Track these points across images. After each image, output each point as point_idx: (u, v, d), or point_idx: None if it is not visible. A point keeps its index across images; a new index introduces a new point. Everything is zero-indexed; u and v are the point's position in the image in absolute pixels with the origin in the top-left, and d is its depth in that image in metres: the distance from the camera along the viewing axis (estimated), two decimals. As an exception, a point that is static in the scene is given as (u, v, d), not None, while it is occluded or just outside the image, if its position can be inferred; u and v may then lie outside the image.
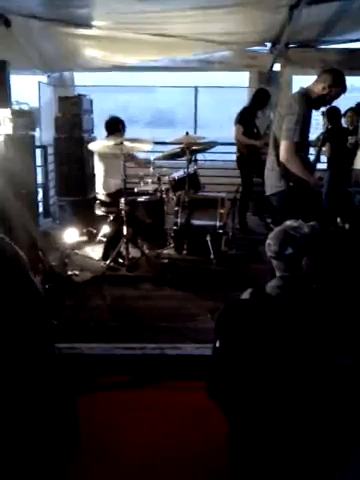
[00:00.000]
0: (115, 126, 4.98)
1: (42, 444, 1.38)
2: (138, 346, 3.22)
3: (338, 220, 4.74)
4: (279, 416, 1.76)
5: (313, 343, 1.81)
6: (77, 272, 4.40)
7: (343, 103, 6.16)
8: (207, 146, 5.53)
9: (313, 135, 4.56)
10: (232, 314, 1.93)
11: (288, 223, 2.02)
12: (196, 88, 8.60)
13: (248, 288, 2.08)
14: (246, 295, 2.04)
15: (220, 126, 6.48)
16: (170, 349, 3.21)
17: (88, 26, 5.82)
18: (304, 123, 3.42)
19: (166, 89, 9.51)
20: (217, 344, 1.89)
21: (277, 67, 7.36)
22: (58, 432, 1.44)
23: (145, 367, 3.09)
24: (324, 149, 5.88)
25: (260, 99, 6.08)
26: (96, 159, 5.03)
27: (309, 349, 1.81)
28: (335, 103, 5.84)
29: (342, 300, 2.17)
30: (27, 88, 7.18)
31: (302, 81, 3.75)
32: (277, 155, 3.51)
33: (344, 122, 6.32)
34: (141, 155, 5.49)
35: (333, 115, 6.04)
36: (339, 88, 3.50)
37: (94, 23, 5.77)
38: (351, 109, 6.36)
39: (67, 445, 1.47)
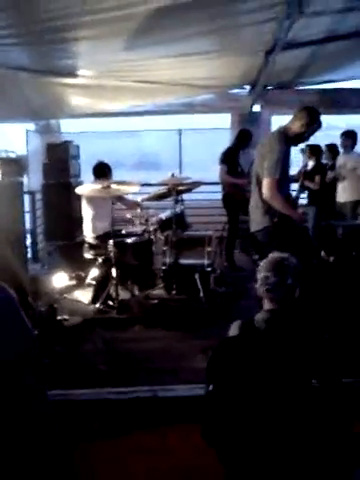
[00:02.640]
0: (102, 171, 5.08)
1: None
2: (130, 390, 3.18)
3: (322, 253, 4.80)
4: (277, 456, 1.73)
5: (305, 375, 1.81)
6: (67, 317, 4.37)
7: (321, 140, 6.38)
8: (193, 186, 5.62)
9: (293, 171, 4.68)
10: (222, 356, 1.92)
11: (277, 255, 2.06)
12: (180, 131, 8.82)
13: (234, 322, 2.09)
14: (234, 330, 2.04)
15: (204, 167, 6.62)
16: (163, 391, 3.17)
17: (73, 75, 5.99)
18: (284, 160, 3.54)
19: (151, 132, 9.75)
20: (210, 387, 1.87)
21: (257, 108, 7.61)
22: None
23: (138, 411, 3.04)
24: (311, 184, 6.04)
25: (242, 139, 6.27)
26: (84, 203, 5.09)
27: (303, 383, 1.81)
28: (313, 140, 6.06)
29: (326, 329, 2.18)
30: (15, 136, 7.31)
31: (281, 121, 3.89)
32: (260, 192, 3.60)
33: (324, 158, 6.51)
34: (128, 197, 5.56)
35: (315, 152, 6.23)
36: (315, 125, 3.66)
37: (79, 72, 5.94)
38: (328, 146, 6.57)
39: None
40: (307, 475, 1.72)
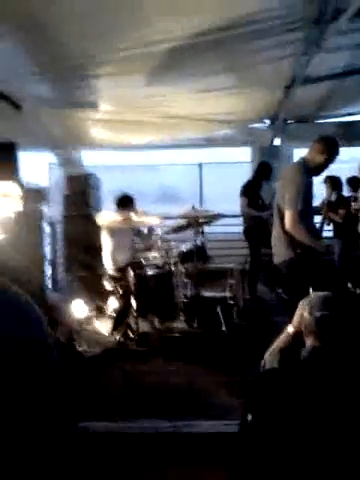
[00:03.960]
0: (125, 201, 5.07)
1: None
2: (151, 424, 3.10)
3: (349, 285, 4.72)
4: None
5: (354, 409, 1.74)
6: (86, 348, 4.32)
7: (342, 172, 6.38)
8: (213, 218, 5.62)
9: (316, 203, 4.66)
10: (266, 386, 1.85)
11: (325, 293, 2.06)
12: (200, 165, 8.90)
13: (269, 353, 2.04)
14: (272, 362, 2.00)
15: (225, 200, 6.64)
16: (184, 427, 3.08)
17: (95, 109, 6.13)
18: (306, 191, 3.52)
19: (171, 166, 9.87)
20: (249, 418, 1.80)
21: (277, 142, 7.66)
22: None
23: (159, 445, 2.95)
24: (336, 217, 6.03)
25: (263, 171, 6.31)
26: (104, 234, 5.09)
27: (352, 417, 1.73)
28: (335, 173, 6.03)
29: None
30: (37, 167, 7.45)
31: (303, 154, 3.89)
32: (282, 225, 3.57)
33: (346, 190, 6.49)
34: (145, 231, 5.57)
35: (335, 184, 6.23)
36: (334, 153, 3.64)
37: (101, 107, 6.07)
38: (349, 178, 6.56)
39: None
40: None
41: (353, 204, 6.24)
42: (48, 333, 1.38)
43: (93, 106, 6.06)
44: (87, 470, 1.55)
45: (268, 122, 7.40)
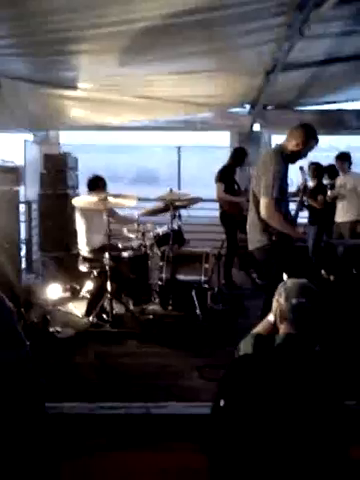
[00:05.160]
0: (96, 184, 5.03)
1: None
2: (122, 405, 3.12)
3: (323, 272, 4.79)
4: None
5: (324, 397, 1.78)
6: (59, 329, 4.30)
7: (321, 161, 6.43)
8: (190, 202, 5.61)
9: (291, 189, 4.69)
10: (239, 373, 1.88)
11: (302, 280, 2.07)
12: (179, 148, 8.86)
13: (244, 339, 2.07)
14: (246, 348, 2.02)
15: (203, 184, 6.63)
16: (156, 408, 3.11)
17: (74, 88, 6.01)
18: (282, 179, 3.52)
19: (150, 148, 9.80)
20: (221, 403, 1.82)
21: (257, 128, 7.66)
22: None
23: (130, 427, 2.97)
24: (315, 204, 6.10)
25: (238, 157, 6.30)
26: (78, 216, 5.01)
27: (322, 405, 1.77)
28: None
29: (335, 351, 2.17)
30: (13, 146, 7.31)
31: (282, 140, 3.89)
32: (257, 211, 3.57)
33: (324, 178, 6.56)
34: (125, 211, 5.54)
35: (318, 171, 6.29)
36: (312, 142, 3.63)
37: (79, 85, 5.97)
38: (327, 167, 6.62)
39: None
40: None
41: (329, 192, 6.33)
42: (17, 327, 1.38)
43: (71, 84, 5.95)
44: (58, 451, 1.56)
45: (248, 107, 7.40)
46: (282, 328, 2.01)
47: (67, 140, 8.23)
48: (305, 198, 5.67)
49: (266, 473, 1.68)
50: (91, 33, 4.25)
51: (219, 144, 8.52)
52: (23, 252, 5.97)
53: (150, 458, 2.71)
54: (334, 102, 7.35)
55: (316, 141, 3.67)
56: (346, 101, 7.36)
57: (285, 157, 3.59)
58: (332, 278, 4.61)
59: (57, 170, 6.32)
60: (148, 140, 9.20)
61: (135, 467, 2.64)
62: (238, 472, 1.73)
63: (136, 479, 2.56)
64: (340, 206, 6.26)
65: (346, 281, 4.54)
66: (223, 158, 6.33)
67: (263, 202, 3.49)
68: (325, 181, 6.55)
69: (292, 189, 4.44)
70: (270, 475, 1.67)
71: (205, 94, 6.48)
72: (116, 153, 9.43)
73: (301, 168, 5.97)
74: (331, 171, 6.52)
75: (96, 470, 2.57)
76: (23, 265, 5.89)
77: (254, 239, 3.68)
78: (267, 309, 2.40)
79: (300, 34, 4.20)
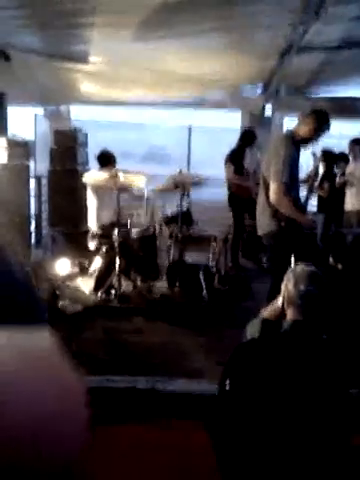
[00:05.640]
0: (106, 159, 5.06)
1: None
2: (127, 379, 3.20)
3: (330, 260, 4.82)
4: (280, 463, 1.73)
5: (328, 384, 1.82)
6: (68, 304, 4.39)
7: (332, 148, 6.38)
8: (200, 182, 5.62)
9: (303, 175, 4.69)
10: (245, 356, 1.91)
11: (310, 267, 2.08)
12: (190, 128, 8.81)
13: (252, 322, 2.12)
14: (253, 331, 2.07)
15: (213, 165, 6.61)
16: (161, 383, 3.20)
17: (85, 61, 5.99)
18: (292, 164, 3.51)
19: (160, 127, 9.73)
20: (227, 384, 1.86)
21: (268, 110, 7.61)
22: None
23: (134, 401, 3.07)
24: (321, 192, 6.08)
25: (246, 139, 6.24)
26: (89, 192, 5.06)
27: (326, 392, 1.81)
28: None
29: (341, 338, 2.20)
30: (24, 120, 7.29)
31: (293, 124, 3.88)
32: (267, 196, 3.59)
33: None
34: (134, 189, 5.56)
35: (327, 159, 6.25)
36: (324, 128, 3.62)
37: (91, 59, 5.94)
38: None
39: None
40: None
41: (338, 178, 6.29)
42: (35, 290, 1.43)
43: (83, 58, 5.93)
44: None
45: (260, 89, 7.33)
46: (289, 314, 2.02)
47: (77, 115, 8.20)
48: (316, 184, 5.67)
49: (269, 455, 1.73)
50: (105, 6, 4.22)
51: (230, 126, 8.46)
52: (33, 227, 6.02)
53: (153, 433, 2.80)
54: (347, 88, 7.28)
55: (328, 127, 3.66)
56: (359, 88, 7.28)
57: (296, 142, 3.59)
58: (340, 266, 4.63)
59: (67, 146, 6.33)
60: (159, 119, 9.13)
61: (137, 441, 2.73)
62: (242, 453, 1.78)
63: (138, 453, 2.64)
64: (349, 194, 6.23)
65: (354, 270, 4.56)
66: (233, 140, 6.30)
67: (273, 187, 3.50)
68: (336, 169, 6.51)
69: (302, 175, 4.44)
70: (273, 457, 1.72)
71: (218, 73, 6.44)
72: (126, 130, 9.38)
73: (314, 154, 5.94)
74: (342, 159, 6.48)
75: (98, 442, 2.66)
76: (33, 240, 5.95)
77: (263, 224, 3.71)
78: (273, 294, 2.45)
79: (316, 16, 4.17)
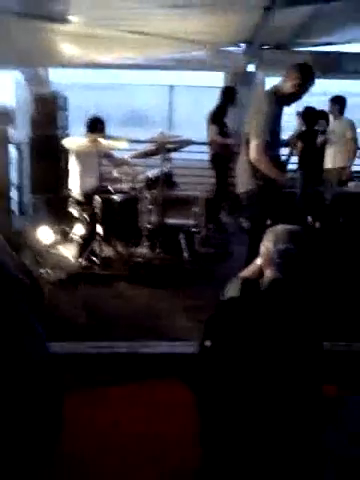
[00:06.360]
0: (95, 125, 4.99)
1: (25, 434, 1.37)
2: (110, 344, 3.22)
3: (309, 219, 4.81)
4: (257, 417, 1.77)
5: (303, 337, 1.85)
6: (50, 271, 4.37)
7: (315, 105, 6.28)
8: (182, 145, 5.53)
9: (286, 135, 4.61)
10: (225, 315, 1.93)
11: (290, 226, 2.09)
12: (171, 87, 8.61)
13: (231, 281, 2.12)
14: (233, 291, 2.06)
15: (195, 126, 6.51)
16: (143, 347, 3.22)
17: (64, 21, 5.79)
18: (274, 122, 3.46)
19: (141, 88, 9.49)
20: (207, 343, 1.88)
21: (251, 68, 7.42)
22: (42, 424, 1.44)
23: (117, 366, 3.09)
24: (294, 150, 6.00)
25: (227, 96, 6.12)
26: (72, 157, 4.99)
27: (301, 346, 1.84)
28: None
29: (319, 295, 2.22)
30: (2, 86, 7.09)
31: (275, 82, 3.78)
32: (248, 154, 3.54)
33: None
34: (115, 153, 5.47)
35: (310, 117, 6.15)
36: (308, 84, 3.52)
37: (70, 18, 5.75)
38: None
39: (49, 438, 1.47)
40: (278, 435, 1.77)
41: (319, 137, 6.21)
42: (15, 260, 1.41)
43: (61, 17, 5.73)
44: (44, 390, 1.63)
45: (243, 47, 7.15)
46: (268, 272, 2.03)
47: (56, 78, 7.97)
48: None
49: (248, 408, 1.77)
50: None
51: (212, 84, 8.26)
52: (15, 195, 5.94)
53: (136, 394, 2.84)
54: (332, 43, 7.10)
55: (313, 82, 3.56)
56: (344, 43, 7.09)
57: (279, 100, 3.51)
58: (318, 225, 4.63)
59: (47, 111, 6.19)
60: (139, 79, 8.89)
61: (122, 401, 2.76)
62: (223, 407, 1.82)
63: (123, 413, 2.68)
64: (329, 152, 6.18)
65: (332, 228, 4.56)
66: (216, 99, 6.18)
67: (253, 144, 3.45)
68: (316, 127, 6.42)
69: (286, 136, 4.37)
70: (251, 409, 1.77)
71: (200, 31, 6.27)
72: (106, 92, 9.15)
73: (298, 113, 5.82)
74: (322, 117, 6.38)
75: (82, 405, 2.69)
76: (14, 208, 5.87)
77: (242, 182, 3.68)
78: (251, 253, 2.44)
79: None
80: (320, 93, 5.48)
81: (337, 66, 7.30)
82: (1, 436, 1.33)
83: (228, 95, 6.14)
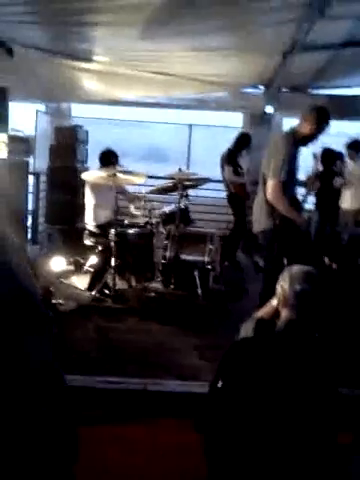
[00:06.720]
0: (108, 158, 5.03)
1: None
2: (120, 380, 3.16)
3: (326, 260, 4.77)
4: (269, 463, 1.71)
5: (318, 382, 1.81)
6: (62, 301, 4.34)
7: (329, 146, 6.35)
8: (199, 182, 5.58)
9: (302, 175, 4.65)
10: (238, 355, 1.90)
11: (307, 267, 2.07)
12: (190, 126, 8.77)
13: (246, 321, 2.08)
14: (247, 331, 2.03)
15: (213, 164, 6.59)
16: (152, 385, 3.15)
17: (88, 60, 5.96)
18: (291, 162, 3.51)
19: (161, 125, 9.69)
20: (219, 384, 1.84)
21: (270, 110, 7.56)
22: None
23: (126, 402, 3.02)
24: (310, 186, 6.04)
25: (242, 142, 6.31)
26: (87, 190, 5.04)
27: (316, 391, 1.79)
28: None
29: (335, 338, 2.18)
30: (25, 116, 7.27)
31: (292, 123, 3.85)
32: (265, 194, 3.57)
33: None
34: (133, 189, 5.52)
35: (327, 158, 6.21)
36: (323, 125, 3.61)
37: (94, 58, 5.91)
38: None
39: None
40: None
41: (336, 179, 6.25)
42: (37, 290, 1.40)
43: (86, 56, 5.90)
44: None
45: (262, 88, 7.29)
46: (284, 313, 2.02)
47: (78, 113, 8.18)
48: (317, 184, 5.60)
49: (258, 453, 1.72)
50: (109, 4, 4.20)
51: (231, 125, 8.42)
52: (29, 223, 5.99)
53: (144, 433, 2.76)
54: (349, 87, 7.23)
55: (328, 124, 3.64)
56: (360, 86, 7.23)
57: (297, 140, 3.58)
58: (335, 266, 4.59)
59: (67, 143, 6.31)
60: (160, 117, 9.09)
61: (129, 441, 2.69)
62: (232, 451, 1.77)
63: (128, 452, 2.61)
64: (347, 193, 6.21)
65: (350, 270, 4.52)
66: (232, 139, 6.30)
67: (270, 184, 3.50)
68: (334, 167, 6.47)
69: (302, 175, 4.40)
70: (261, 455, 1.72)
71: (220, 73, 6.40)
72: (127, 128, 9.34)
73: (314, 155, 5.88)
74: (340, 158, 6.44)
75: (91, 441, 2.62)
76: (29, 236, 5.92)
77: (259, 221, 3.69)
78: (266, 292, 2.40)
79: (321, 14, 4.11)
80: (335, 134, 5.57)
81: (353, 109, 7.40)
82: (18, 468, 1.28)
83: (241, 141, 6.33)
